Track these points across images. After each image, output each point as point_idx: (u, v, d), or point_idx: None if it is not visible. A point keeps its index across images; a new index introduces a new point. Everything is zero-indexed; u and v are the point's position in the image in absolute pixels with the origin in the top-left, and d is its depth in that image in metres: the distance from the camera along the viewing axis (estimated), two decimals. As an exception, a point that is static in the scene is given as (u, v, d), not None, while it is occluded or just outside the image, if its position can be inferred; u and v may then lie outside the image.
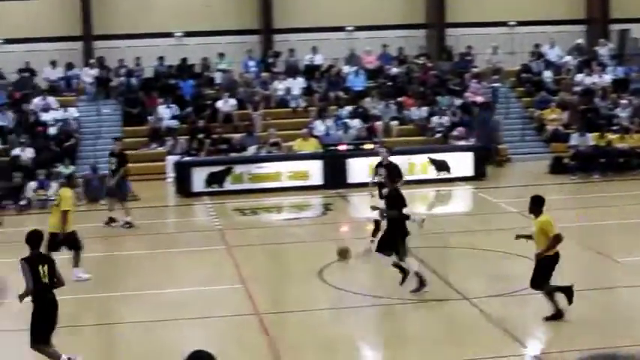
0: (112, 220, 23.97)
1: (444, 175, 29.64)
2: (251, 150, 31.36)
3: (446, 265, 19.41)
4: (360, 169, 28.44)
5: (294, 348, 14.81)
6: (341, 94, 35.44)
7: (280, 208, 27.54)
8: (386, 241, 17.16)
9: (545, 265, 14.95)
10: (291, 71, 36.52)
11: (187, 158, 30.40)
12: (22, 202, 27.16)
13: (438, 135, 33.35)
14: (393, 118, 34.11)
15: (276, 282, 19.52)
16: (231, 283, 18.49)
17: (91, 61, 36.74)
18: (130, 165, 25.82)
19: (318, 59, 37.50)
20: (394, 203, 17.18)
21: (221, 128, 33.07)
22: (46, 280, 13.24)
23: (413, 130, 34.22)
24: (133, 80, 35.71)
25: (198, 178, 28.69)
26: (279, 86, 35.51)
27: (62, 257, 17.71)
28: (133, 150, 31.73)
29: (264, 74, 36.29)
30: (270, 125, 32.82)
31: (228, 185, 28.90)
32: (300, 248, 22.29)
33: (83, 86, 35.75)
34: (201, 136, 32.08)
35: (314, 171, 29.09)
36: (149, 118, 33.48)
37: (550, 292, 15.08)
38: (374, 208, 18.59)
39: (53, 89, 35.30)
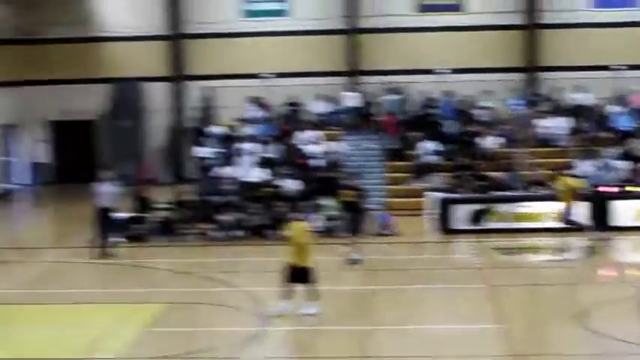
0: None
1: None
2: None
3: None
4: (625, 211, 27.90)
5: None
6: (607, 134, 34.57)
7: (540, 249, 27.16)
8: None
9: None
10: (556, 110, 36.04)
11: (450, 195, 30.41)
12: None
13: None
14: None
15: (533, 323, 19.25)
16: (487, 322, 18.47)
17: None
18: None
19: (583, 98, 36.79)
20: None
21: (485, 165, 32.98)
22: None
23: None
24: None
25: (460, 214, 28.74)
26: (545, 124, 35.06)
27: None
28: (395, 185, 32.67)
29: (527, 111, 35.95)
30: (534, 164, 32.45)
31: (490, 223, 28.83)
32: (559, 290, 21.92)
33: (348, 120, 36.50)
34: (464, 173, 32.10)
35: (578, 212, 28.45)
36: (413, 153, 33.73)
37: None
38: None
39: (319, 123, 36.12)
